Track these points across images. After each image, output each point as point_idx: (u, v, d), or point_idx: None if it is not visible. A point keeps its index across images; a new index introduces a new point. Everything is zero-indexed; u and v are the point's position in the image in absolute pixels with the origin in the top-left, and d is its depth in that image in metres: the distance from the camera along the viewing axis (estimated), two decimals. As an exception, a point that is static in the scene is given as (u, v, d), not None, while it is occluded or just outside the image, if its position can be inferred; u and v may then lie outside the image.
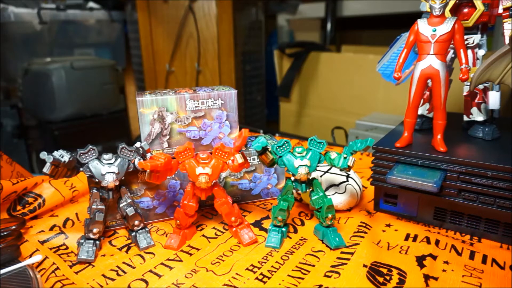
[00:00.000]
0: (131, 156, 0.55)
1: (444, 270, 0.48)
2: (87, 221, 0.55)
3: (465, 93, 0.62)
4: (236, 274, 0.49)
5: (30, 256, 0.53)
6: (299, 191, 0.55)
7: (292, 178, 0.55)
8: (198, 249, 0.55)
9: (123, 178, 0.55)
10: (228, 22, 1.57)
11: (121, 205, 0.56)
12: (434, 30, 0.54)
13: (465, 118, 0.65)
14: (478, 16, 0.58)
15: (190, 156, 0.54)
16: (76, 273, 0.50)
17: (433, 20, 0.54)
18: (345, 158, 0.52)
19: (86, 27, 1.91)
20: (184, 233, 0.56)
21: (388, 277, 0.47)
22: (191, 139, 0.62)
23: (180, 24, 1.57)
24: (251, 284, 0.47)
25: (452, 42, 0.54)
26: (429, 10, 0.57)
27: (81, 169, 0.53)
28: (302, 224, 0.61)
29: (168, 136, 0.61)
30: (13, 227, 0.57)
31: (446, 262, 0.50)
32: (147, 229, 0.57)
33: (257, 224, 0.61)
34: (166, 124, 0.60)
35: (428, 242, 0.54)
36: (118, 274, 0.50)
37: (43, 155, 0.48)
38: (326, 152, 0.54)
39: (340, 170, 0.55)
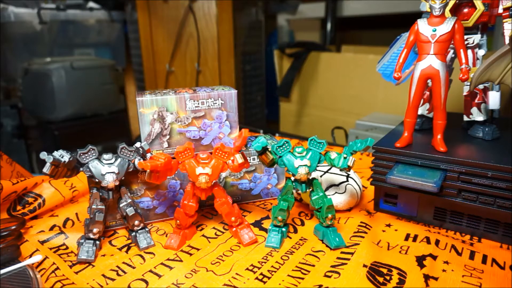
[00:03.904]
0: (131, 156, 0.55)
1: (444, 270, 0.48)
2: (87, 221, 0.55)
3: (465, 93, 0.62)
4: (236, 274, 0.49)
5: (30, 256, 0.53)
6: (299, 191, 0.55)
7: (292, 178, 0.55)
8: (198, 249, 0.55)
9: (123, 178, 0.55)
10: (228, 22, 1.57)
11: (121, 205, 0.56)
12: (434, 30, 0.54)
13: (465, 118, 0.65)
14: (478, 16, 0.58)
15: (190, 156, 0.54)
16: (76, 273, 0.50)
17: (433, 20, 0.54)
18: (345, 158, 0.52)
19: (86, 27, 1.91)
20: (184, 233, 0.56)
21: (388, 277, 0.47)
22: (191, 139, 0.62)
23: (180, 24, 1.57)
24: (251, 284, 0.47)
25: (452, 42, 0.54)
26: (429, 10, 0.57)
27: (81, 169, 0.53)
28: (302, 224, 0.61)
29: (168, 136, 0.61)
30: (13, 227, 0.57)
31: (446, 262, 0.50)
32: (147, 229, 0.57)
33: (257, 224, 0.61)
34: (166, 124, 0.60)
35: (428, 242, 0.54)
36: (118, 274, 0.50)
37: (43, 155, 0.48)
38: (326, 152, 0.54)
39: (340, 170, 0.55)
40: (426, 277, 0.47)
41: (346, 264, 0.50)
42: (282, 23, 2.16)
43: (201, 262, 0.52)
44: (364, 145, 0.52)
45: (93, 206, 0.54)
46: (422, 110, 0.69)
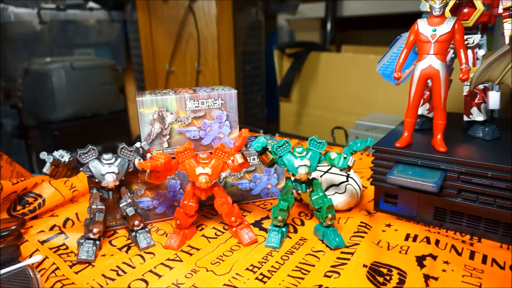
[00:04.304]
0: (131, 156, 0.55)
1: (444, 270, 0.48)
2: (87, 221, 0.55)
3: (465, 93, 0.62)
4: (236, 274, 0.49)
5: (30, 256, 0.53)
6: (299, 191, 0.55)
7: (292, 178, 0.55)
8: (198, 249, 0.55)
9: (123, 178, 0.55)
10: (228, 22, 1.57)
11: (121, 205, 0.56)
12: (434, 30, 0.54)
13: (465, 118, 0.65)
14: (478, 16, 0.58)
15: (190, 156, 0.54)
16: (76, 273, 0.50)
17: (433, 20, 0.54)
18: (345, 158, 0.52)
19: (86, 27, 1.91)
20: (184, 233, 0.56)
21: (388, 277, 0.47)
22: (191, 139, 0.62)
23: (180, 24, 1.57)
24: (251, 284, 0.47)
25: (452, 42, 0.54)
26: (429, 10, 0.57)
27: (81, 169, 0.53)
28: (302, 224, 0.61)
29: (168, 136, 0.61)
30: (13, 227, 0.57)
31: (446, 262, 0.50)
32: (147, 229, 0.57)
33: (257, 224, 0.61)
34: (166, 124, 0.60)
35: (428, 242, 0.54)
36: (118, 274, 0.50)
37: (43, 155, 0.48)
38: (326, 152, 0.54)
39: (340, 170, 0.55)
40: (426, 277, 0.47)
41: (346, 264, 0.50)
42: (282, 23, 2.16)
43: (201, 262, 0.52)
44: (364, 145, 0.52)
45: (93, 206, 0.54)
46: (422, 110, 0.69)
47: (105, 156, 0.54)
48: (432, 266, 0.49)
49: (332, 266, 0.50)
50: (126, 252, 0.55)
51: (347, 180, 0.64)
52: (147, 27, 1.68)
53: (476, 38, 0.60)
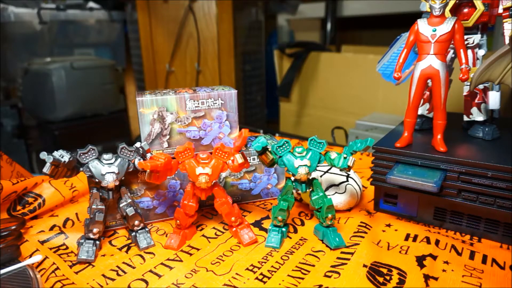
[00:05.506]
0: (131, 156, 0.55)
1: (444, 270, 0.48)
2: (87, 221, 0.55)
3: (465, 93, 0.62)
4: (236, 274, 0.49)
5: (30, 256, 0.53)
6: (299, 191, 0.55)
7: (292, 178, 0.55)
8: (198, 249, 0.55)
9: (123, 178, 0.55)
10: (228, 22, 1.57)
11: (121, 205, 0.56)
12: (434, 30, 0.54)
13: (465, 118, 0.65)
14: (478, 16, 0.58)
15: (190, 156, 0.54)
16: (76, 273, 0.50)
17: (433, 20, 0.54)
18: (345, 158, 0.52)
19: (86, 27, 1.91)
20: (184, 233, 0.56)
21: (388, 277, 0.47)
22: (191, 139, 0.62)
23: (180, 24, 1.57)
24: (251, 284, 0.47)
25: (452, 42, 0.54)
26: (429, 10, 0.57)
27: (81, 169, 0.53)
28: (302, 224, 0.61)
29: (168, 136, 0.61)
30: (13, 227, 0.57)
31: (446, 262, 0.50)
32: (147, 229, 0.57)
33: (257, 224, 0.61)
34: (166, 124, 0.60)
35: (428, 242, 0.54)
36: (118, 274, 0.50)
37: (43, 155, 0.48)
38: (326, 152, 0.54)
39: (340, 170, 0.55)
40: (426, 277, 0.47)
41: (346, 264, 0.50)
42: (282, 23, 2.17)
43: (201, 262, 0.52)
44: (364, 145, 0.52)
45: (93, 206, 0.54)
46: (422, 110, 0.69)
47: (105, 156, 0.54)
48: (432, 266, 0.49)
49: (332, 266, 0.50)
50: (126, 252, 0.55)
51: (347, 180, 0.64)
52: (147, 27, 1.68)
53: (476, 38, 0.61)
